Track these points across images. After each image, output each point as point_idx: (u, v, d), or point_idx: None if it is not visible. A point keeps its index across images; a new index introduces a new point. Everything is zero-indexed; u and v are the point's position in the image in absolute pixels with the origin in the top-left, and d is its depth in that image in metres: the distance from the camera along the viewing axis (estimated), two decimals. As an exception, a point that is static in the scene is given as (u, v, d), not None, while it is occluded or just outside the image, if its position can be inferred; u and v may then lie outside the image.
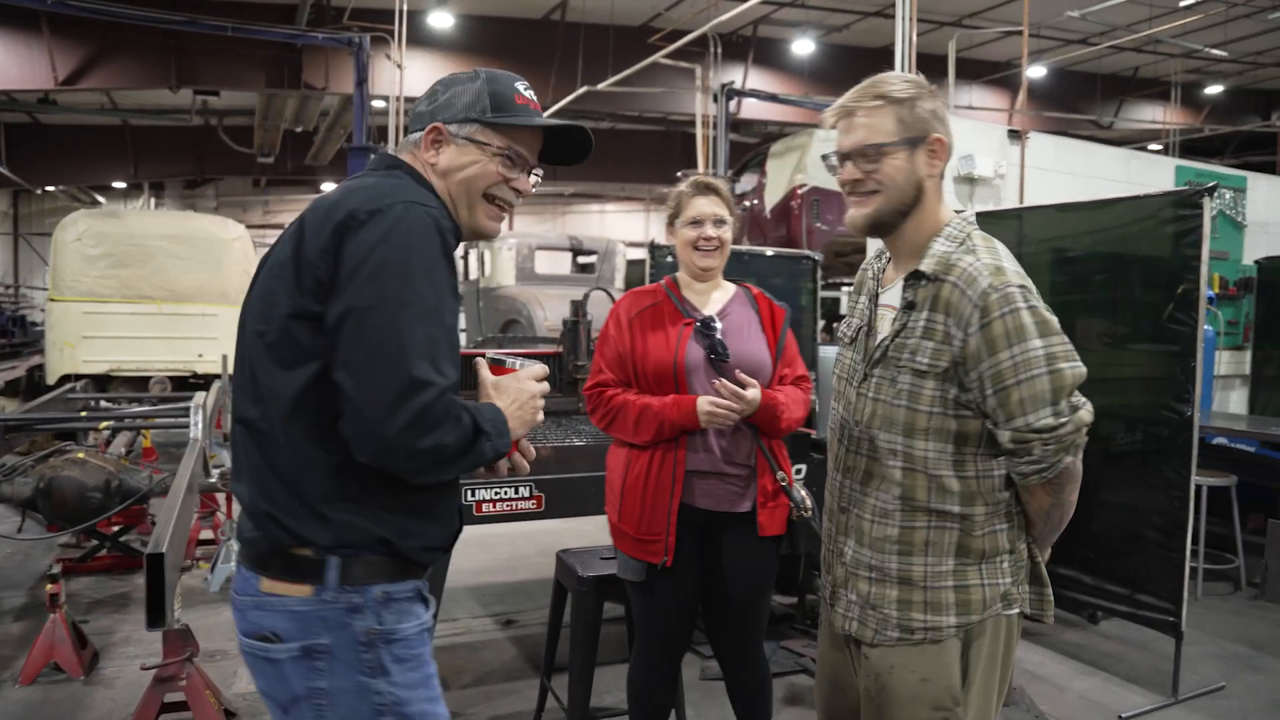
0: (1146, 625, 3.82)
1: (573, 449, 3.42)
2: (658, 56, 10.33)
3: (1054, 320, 1.63)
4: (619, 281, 10.08)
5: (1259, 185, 6.97)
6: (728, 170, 10.50)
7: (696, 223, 2.56)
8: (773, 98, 12.11)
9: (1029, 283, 1.65)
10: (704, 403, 2.44)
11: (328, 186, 17.56)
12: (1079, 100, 15.46)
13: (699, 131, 11.12)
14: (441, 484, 1.49)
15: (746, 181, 11.00)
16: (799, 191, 9.68)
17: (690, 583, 2.56)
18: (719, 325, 2.55)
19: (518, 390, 1.53)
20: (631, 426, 2.49)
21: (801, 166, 9.75)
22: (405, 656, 1.45)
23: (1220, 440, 5.43)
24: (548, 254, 10.55)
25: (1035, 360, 1.58)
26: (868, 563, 1.77)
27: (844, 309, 6.91)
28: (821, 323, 6.68)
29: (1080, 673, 3.92)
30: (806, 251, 6.71)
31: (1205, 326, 3.63)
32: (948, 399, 1.67)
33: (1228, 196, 6.59)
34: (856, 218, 1.74)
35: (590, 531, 2.73)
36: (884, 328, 1.78)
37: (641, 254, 9.87)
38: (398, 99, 10.36)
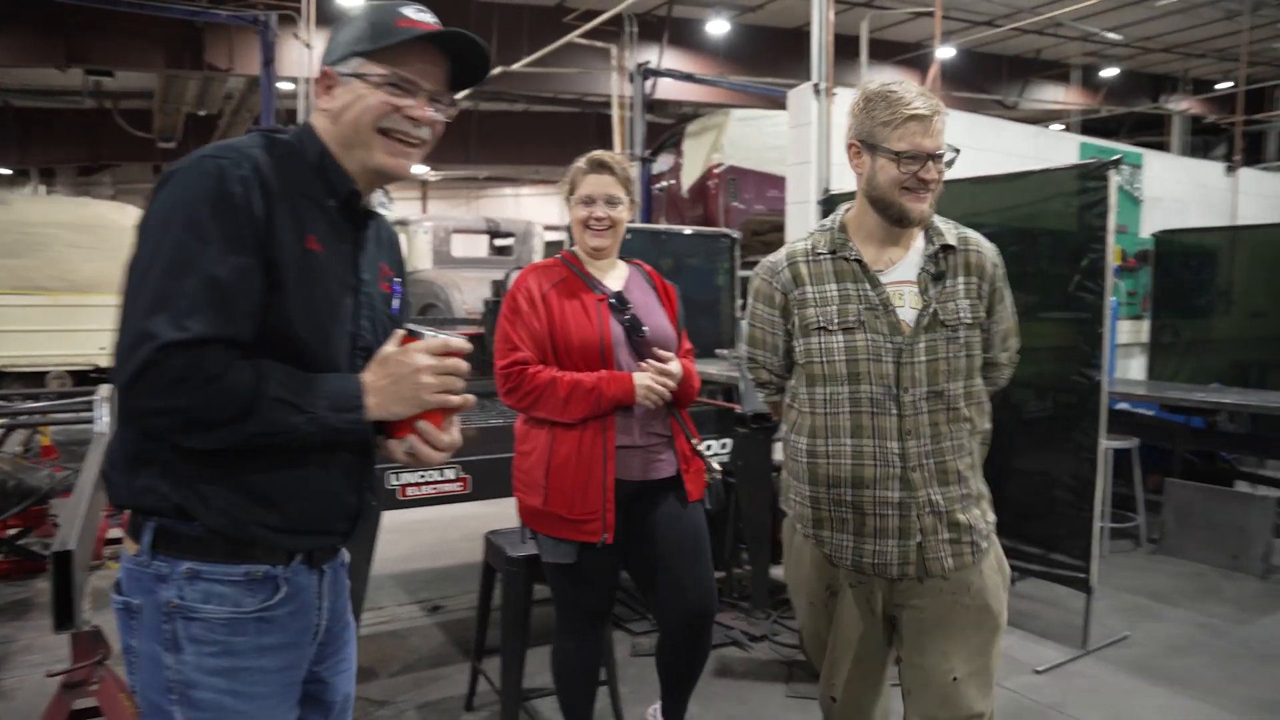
0: (1059, 583, 3.99)
1: (498, 429, 3.37)
2: (572, 36, 10.20)
3: None
4: (538, 263, 9.99)
5: (1153, 162, 7.27)
6: (644, 150, 10.47)
7: (588, 201, 2.51)
8: (688, 77, 12.08)
9: None
10: (643, 378, 2.43)
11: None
12: (985, 81, 15.87)
13: (615, 112, 11.06)
14: (280, 456, 1.37)
15: (663, 161, 10.99)
16: (715, 171, 9.72)
17: (619, 556, 2.55)
18: (631, 302, 2.54)
19: (398, 363, 1.38)
20: (561, 404, 2.41)
21: (718, 146, 9.78)
22: (204, 639, 1.37)
23: (1123, 405, 5.67)
24: (464, 237, 10.40)
25: (1010, 298, 2.13)
26: (959, 494, 2.03)
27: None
28: (741, 300, 6.72)
29: (998, 632, 4.06)
30: (725, 230, 6.74)
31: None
32: (981, 341, 2.08)
33: (1126, 172, 6.86)
34: (925, 212, 1.99)
35: (513, 515, 2.69)
36: (912, 301, 2.02)
37: (559, 236, 9.84)
38: (307, 80, 10.01)
